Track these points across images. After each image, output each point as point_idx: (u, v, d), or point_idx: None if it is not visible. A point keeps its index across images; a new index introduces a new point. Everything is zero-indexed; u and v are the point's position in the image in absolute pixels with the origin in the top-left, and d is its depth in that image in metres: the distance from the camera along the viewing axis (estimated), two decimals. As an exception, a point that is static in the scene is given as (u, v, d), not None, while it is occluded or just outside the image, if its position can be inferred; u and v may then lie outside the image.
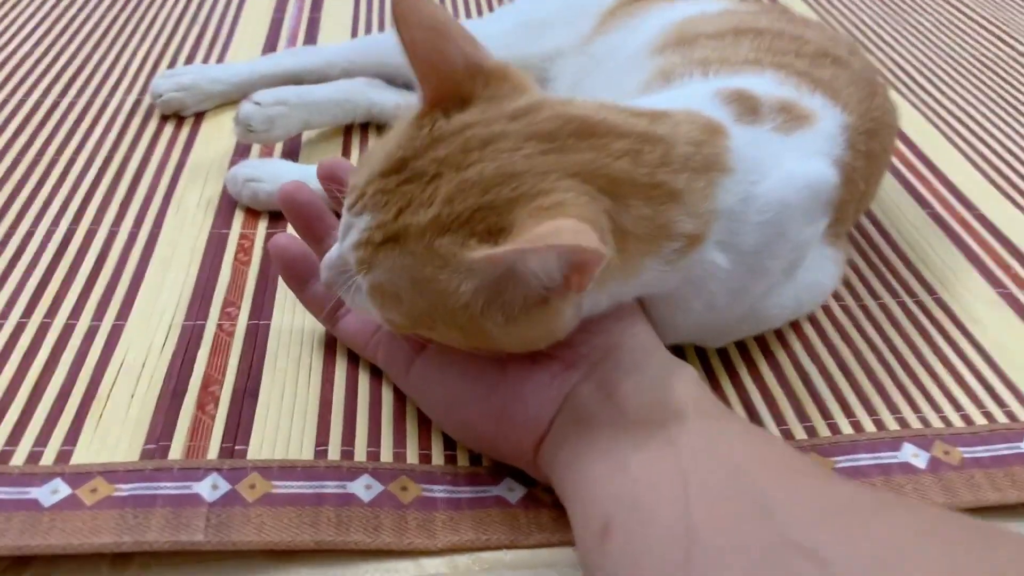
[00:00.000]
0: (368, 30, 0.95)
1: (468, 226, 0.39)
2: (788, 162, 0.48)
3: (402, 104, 0.76)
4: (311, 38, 0.92)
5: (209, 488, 0.43)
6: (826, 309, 0.58)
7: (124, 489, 0.43)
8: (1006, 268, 0.63)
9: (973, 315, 0.58)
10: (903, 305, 0.59)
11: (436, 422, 0.49)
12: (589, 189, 0.40)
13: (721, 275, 0.46)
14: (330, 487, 0.44)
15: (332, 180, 0.53)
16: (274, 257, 0.53)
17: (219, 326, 0.55)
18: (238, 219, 0.65)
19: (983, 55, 0.94)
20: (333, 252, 0.45)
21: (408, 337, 0.49)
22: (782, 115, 0.50)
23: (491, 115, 0.41)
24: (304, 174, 0.65)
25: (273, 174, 0.66)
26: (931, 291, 0.61)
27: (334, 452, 0.47)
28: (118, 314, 0.55)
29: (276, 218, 0.65)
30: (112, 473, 0.44)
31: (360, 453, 0.47)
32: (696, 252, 0.44)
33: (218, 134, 0.75)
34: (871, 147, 0.54)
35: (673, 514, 0.33)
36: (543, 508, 0.45)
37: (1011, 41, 0.98)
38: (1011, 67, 0.92)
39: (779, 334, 0.56)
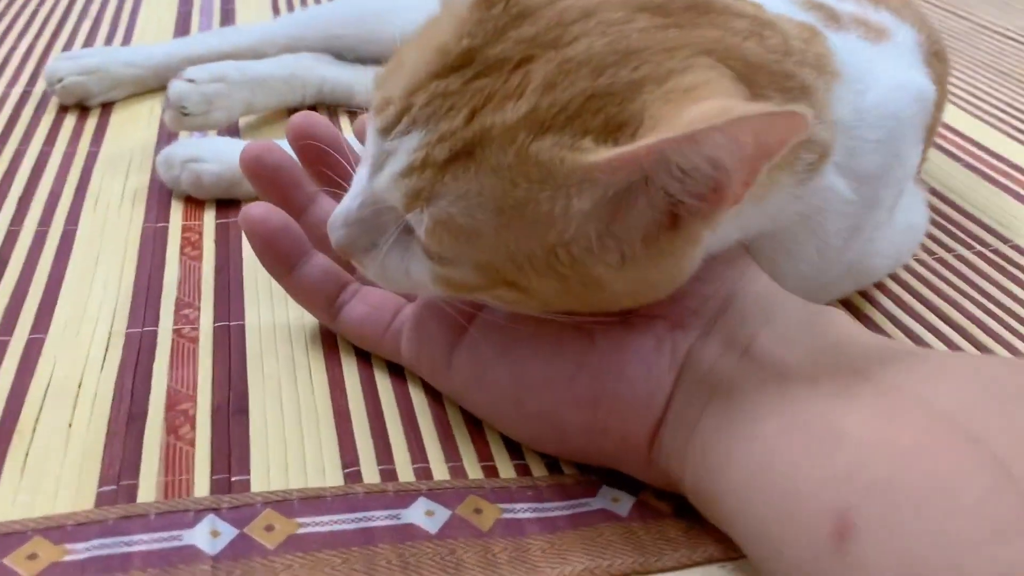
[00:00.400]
0: (291, 8, 0.83)
1: (578, 120, 0.28)
2: (888, 73, 0.40)
3: (358, 81, 0.65)
4: (228, 19, 0.79)
5: (207, 536, 0.30)
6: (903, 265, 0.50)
7: (79, 550, 0.29)
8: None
9: (1060, 260, 0.51)
10: (982, 256, 0.52)
11: (495, 422, 0.37)
12: (727, 72, 0.30)
13: (839, 207, 0.38)
14: (379, 518, 0.32)
15: (307, 140, 0.41)
16: (250, 234, 0.40)
17: (177, 331, 0.41)
18: (177, 210, 0.52)
19: (944, 29, 0.91)
20: (351, 201, 0.33)
21: (452, 311, 0.37)
22: (861, 26, 0.42)
23: (581, -16, 0.31)
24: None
25: (218, 153, 0.53)
26: (1004, 239, 0.53)
27: (370, 473, 0.34)
28: (34, 326, 0.41)
29: (227, 206, 0.52)
30: (57, 530, 0.30)
31: (405, 472, 0.35)
32: (820, 175, 0.35)
33: (133, 127, 0.61)
34: (940, 71, 0.47)
35: (983, 483, 0.22)
36: (665, 519, 0.33)
37: (964, 15, 0.96)
38: (974, 36, 0.89)
39: (863, 293, 0.47)
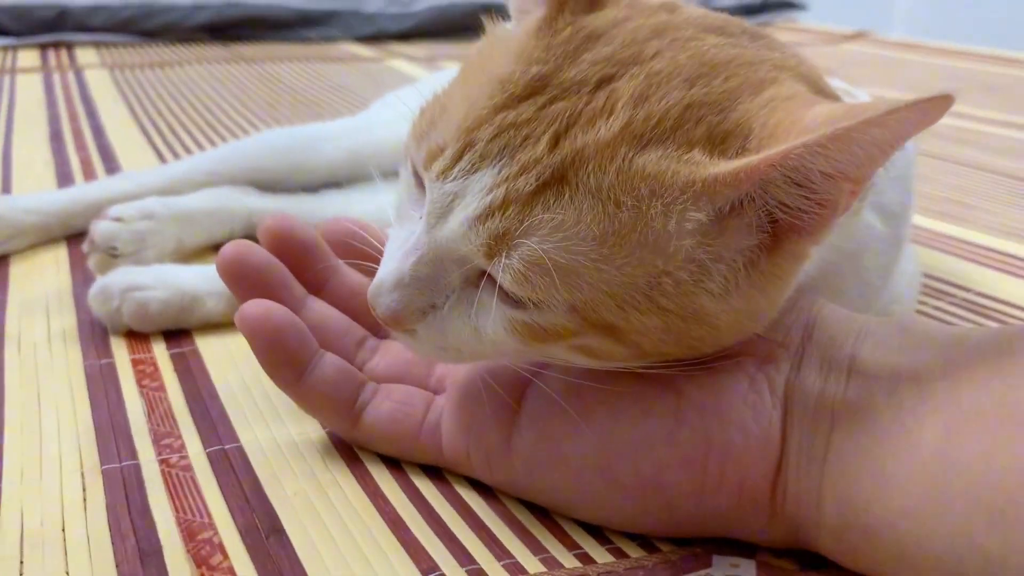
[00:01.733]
0: (171, 148, 0.79)
1: (680, 131, 0.27)
2: None
3: (288, 209, 0.61)
4: (108, 161, 0.75)
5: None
6: (890, 319, 0.51)
7: None
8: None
9: (1024, 302, 0.53)
10: (958, 304, 0.53)
11: (574, 506, 0.32)
12: (808, 86, 0.29)
13: (876, 244, 0.39)
14: (493, 619, 0.26)
15: (285, 242, 0.38)
16: (252, 335, 0.34)
17: (163, 461, 0.35)
18: (119, 345, 0.45)
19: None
20: (400, 261, 0.29)
21: (505, 384, 0.33)
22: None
23: (640, 8, 0.30)
24: (206, 277, 0.48)
25: (162, 278, 0.47)
26: (964, 288, 0.55)
27: (454, 574, 0.29)
28: (-19, 475, 0.33)
29: (177, 336, 0.46)
30: None
31: (494, 570, 0.29)
32: (863, 208, 0.35)
33: (39, 276, 0.54)
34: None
35: None
36: (796, 576, 0.30)
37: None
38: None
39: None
